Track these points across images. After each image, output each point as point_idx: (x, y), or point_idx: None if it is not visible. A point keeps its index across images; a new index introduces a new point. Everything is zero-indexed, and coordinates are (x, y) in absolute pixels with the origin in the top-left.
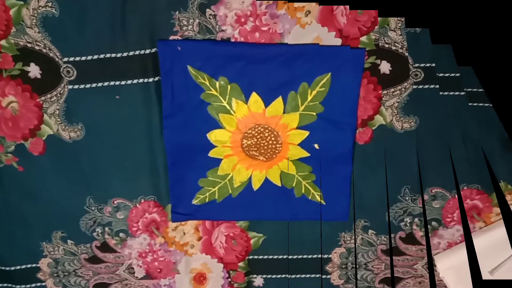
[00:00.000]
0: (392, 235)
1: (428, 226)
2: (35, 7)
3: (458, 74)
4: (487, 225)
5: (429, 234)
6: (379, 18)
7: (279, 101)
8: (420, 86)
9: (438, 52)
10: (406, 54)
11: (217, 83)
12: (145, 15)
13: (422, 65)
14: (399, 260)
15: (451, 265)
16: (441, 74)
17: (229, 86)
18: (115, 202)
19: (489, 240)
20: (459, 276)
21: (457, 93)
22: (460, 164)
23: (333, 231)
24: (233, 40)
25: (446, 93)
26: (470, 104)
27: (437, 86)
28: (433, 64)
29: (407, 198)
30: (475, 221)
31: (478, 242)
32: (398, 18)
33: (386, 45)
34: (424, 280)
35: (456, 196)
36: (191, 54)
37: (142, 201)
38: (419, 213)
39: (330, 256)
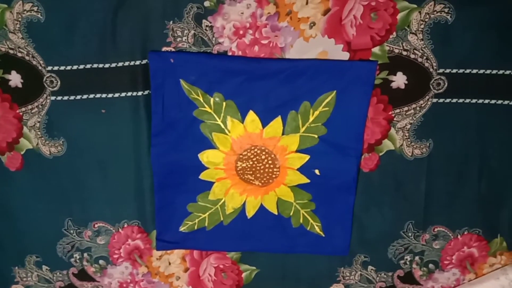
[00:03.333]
0: (390, 274)
1: (424, 268)
2: (19, 11)
3: (496, 71)
4: (477, 277)
5: (424, 278)
6: (398, 17)
7: (278, 121)
8: (441, 100)
9: (476, 46)
10: (426, 64)
11: (212, 100)
12: (137, 24)
13: (448, 71)
14: None
15: None
16: (474, 71)
17: (224, 103)
18: (96, 225)
19: None
20: None
21: (487, 101)
22: (469, 200)
23: (332, 266)
24: (230, 53)
25: (474, 100)
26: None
27: (461, 100)
28: (461, 70)
29: (409, 234)
30: (466, 273)
31: None
32: (421, 18)
33: (404, 52)
34: None
35: (458, 237)
36: (184, 68)
37: (125, 225)
38: (420, 251)
39: None
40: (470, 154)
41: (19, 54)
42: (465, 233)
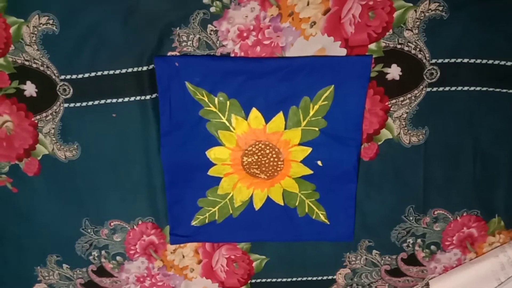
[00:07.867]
0: (394, 257)
1: (427, 250)
2: (35, 24)
3: (486, 61)
4: (478, 256)
5: (427, 259)
6: (395, 15)
7: (280, 116)
8: (434, 89)
9: (466, 38)
10: (420, 55)
11: (216, 99)
12: (144, 31)
13: (440, 61)
14: (400, 281)
15: None
16: (465, 60)
17: (228, 102)
18: (112, 224)
19: (476, 273)
20: None
21: (478, 88)
22: (466, 183)
23: (338, 252)
24: (233, 55)
25: (465, 88)
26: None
27: (453, 88)
28: (452, 60)
29: (411, 218)
30: (467, 252)
31: (465, 275)
32: (417, 16)
33: (399, 46)
34: None
35: (458, 218)
36: (189, 70)
37: (140, 222)
38: (422, 234)
39: (335, 277)
40: (464, 139)
41: (34, 65)
42: (464, 214)
